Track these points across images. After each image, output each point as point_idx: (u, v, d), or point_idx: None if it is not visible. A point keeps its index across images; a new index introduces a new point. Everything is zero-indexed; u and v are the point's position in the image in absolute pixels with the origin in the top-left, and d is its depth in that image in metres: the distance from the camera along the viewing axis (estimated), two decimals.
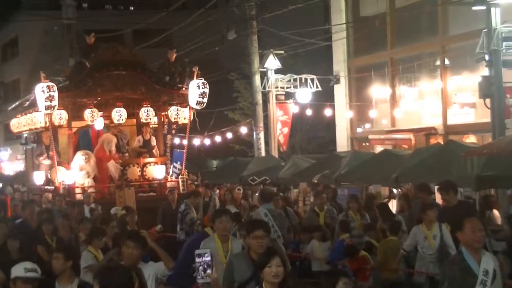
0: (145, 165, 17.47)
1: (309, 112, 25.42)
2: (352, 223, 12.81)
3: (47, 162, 18.16)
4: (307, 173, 18.27)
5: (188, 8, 34.29)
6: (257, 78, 23.85)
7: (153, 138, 18.19)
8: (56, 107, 16.12)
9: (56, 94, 15.89)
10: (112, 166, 17.31)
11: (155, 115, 17.86)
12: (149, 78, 17.08)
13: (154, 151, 18.03)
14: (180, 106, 17.74)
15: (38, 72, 17.25)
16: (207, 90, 16.94)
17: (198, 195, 15.21)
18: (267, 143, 24.32)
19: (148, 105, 17.37)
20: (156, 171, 17.45)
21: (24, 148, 25.37)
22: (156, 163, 17.58)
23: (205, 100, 16.99)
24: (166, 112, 17.96)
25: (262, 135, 23.96)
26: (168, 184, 17.55)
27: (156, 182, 17.53)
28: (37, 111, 17.11)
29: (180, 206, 14.42)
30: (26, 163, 22.60)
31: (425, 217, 10.28)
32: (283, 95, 24.39)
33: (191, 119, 18.07)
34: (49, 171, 17.87)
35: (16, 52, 54.77)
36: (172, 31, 29.68)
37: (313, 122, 29.17)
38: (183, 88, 17.40)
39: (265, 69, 23.83)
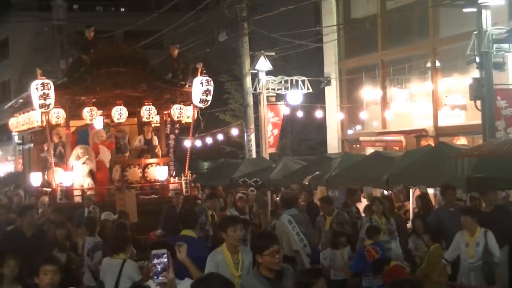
0: (146, 166, 16.73)
1: (300, 113, 25.43)
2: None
3: (51, 159, 17.21)
4: (298, 175, 18.26)
5: (179, 9, 34.31)
6: (248, 80, 23.84)
7: (155, 138, 17.53)
8: (52, 106, 15.42)
9: (51, 92, 15.22)
10: (103, 151, 16.60)
11: (157, 114, 17.18)
12: (151, 75, 16.41)
13: (156, 151, 17.35)
14: (183, 104, 17.08)
15: (28, 73, 16.95)
16: (211, 88, 16.30)
17: (216, 197, 14.32)
18: (258, 144, 24.30)
19: (150, 103, 16.73)
20: (158, 172, 16.70)
21: (21, 148, 24.71)
22: (158, 164, 16.84)
23: (209, 98, 16.36)
24: (169, 111, 17.30)
25: (253, 136, 23.94)
26: (171, 186, 16.84)
27: (158, 184, 16.78)
28: (34, 109, 16.34)
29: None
30: (23, 163, 21.66)
31: (464, 223, 9.57)
32: (274, 96, 24.38)
33: (195, 118, 17.41)
34: (46, 172, 17.20)
35: (6, 53, 54.65)
36: (163, 32, 29.64)
37: (304, 123, 29.19)
38: (187, 86, 16.70)
39: (256, 71, 23.81)
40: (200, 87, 16.23)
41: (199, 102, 16.39)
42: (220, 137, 29.92)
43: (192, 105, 16.88)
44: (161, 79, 16.64)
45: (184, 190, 16.62)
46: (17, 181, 28.80)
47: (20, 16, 42.95)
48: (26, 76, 29.20)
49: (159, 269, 5.23)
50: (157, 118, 17.49)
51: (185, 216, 8.42)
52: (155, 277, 5.24)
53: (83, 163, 16.41)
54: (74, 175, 16.40)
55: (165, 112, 17.50)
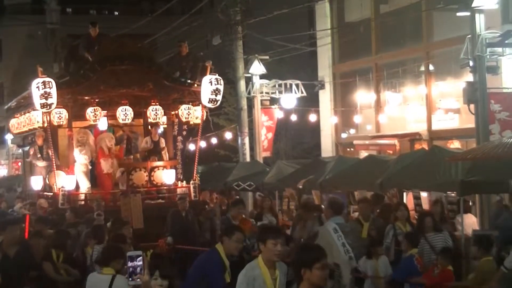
0: (153, 169, 16.15)
1: (294, 117, 25.42)
2: (401, 235, 11.20)
3: (41, 163, 17.00)
4: (292, 179, 18.25)
5: (173, 13, 34.27)
6: (242, 84, 23.80)
7: (162, 140, 16.96)
8: (54, 105, 14.78)
9: (53, 91, 14.58)
10: (105, 163, 16.06)
11: (164, 115, 16.51)
12: (158, 73, 15.79)
13: (163, 152, 16.77)
14: (191, 105, 16.46)
15: (21, 77, 16.68)
16: (221, 87, 15.71)
17: (243, 205, 12.99)
18: (252, 148, 24.27)
19: (157, 103, 16.01)
20: (165, 175, 16.15)
21: (21, 151, 24.26)
22: (165, 167, 16.30)
23: (219, 98, 15.77)
24: (176, 111, 16.66)
25: (247, 140, 23.90)
26: (179, 190, 16.19)
27: (165, 188, 16.22)
28: (35, 109, 15.69)
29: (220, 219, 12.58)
30: (24, 166, 21.01)
31: None
32: (268, 100, 24.35)
33: (204, 118, 16.87)
34: (47, 175, 16.60)
35: None
36: (157, 36, 29.59)
37: (298, 127, 29.15)
38: (195, 85, 16.12)
39: (250, 75, 23.77)
40: (209, 86, 15.66)
41: (208, 102, 15.83)
42: (214, 140, 29.87)
43: (201, 105, 16.32)
44: (169, 78, 16.05)
45: (192, 194, 16.04)
46: (11, 185, 28.70)
47: (13, 20, 42.82)
48: (19, 80, 29.16)
49: (133, 271, 5.23)
50: (164, 119, 16.91)
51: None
52: (130, 279, 5.23)
53: (81, 147, 15.88)
54: (75, 167, 15.75)
55: (173, 112, 16.93)
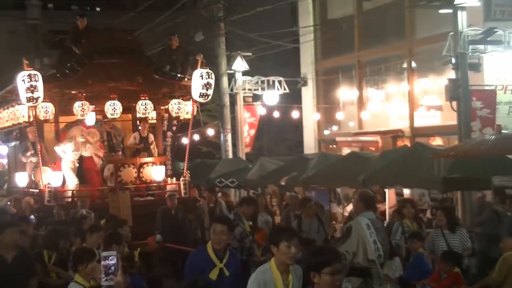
0: (142, 165, 15.75)
1: (276, 114, 25.42)
2: (409, 233, 11.00)
3: (33, 159, 16.46)
4: (275, 175, 18.25)
5: (156, 9, 34.09)
6: (224, 80, 23.74)
7: (151, 135, 16.65)
8: (41, 99, 14.31)
9: (40, 84, 14.10)
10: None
11: (154, 109, 16.19)
12: (148, 67, 15.33)
13: (152, 147, 16.45)
14: (182, 99, 16.14)
15: (3, 72, 16.35)
16: (212, 81, 15.31)
17: (253, 203, 12.15)
18: (234, 145, 24.25)
19: (146, 98, 15.68)
20: (155, 172, 15.80)
21: (4, 146, 23.68)
22: (154, 163, 15.92)
23: (210, 92, 15.35)
24: (166, 106, 16.32)
25: (229, 137, 23.87)
26: (168, 187, 15.89)
27: (154, 184, 15.85)
28: (20, 103, 15.24)
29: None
30: (8, 163, 20.36)
31: None
32: (250, 97, 24.33)
33: (194, 113, 16.53)
34: (32, 171, 16.19)
35: None
36: (139, 32, 29.42)
37: (281, 124, 29.17)
38: (186, 79, 15.75)
39: (232, 71, 23.75)
40: (200, 81, 15.24)
41: (199, 97, 15.41)
42: (196, 137, 29.80)
43: (191, 99, 15.97)
44: (159, 72, 15.64)
45: (183, 192, 15.74)
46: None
47: None
48: (1, 75, 28.89)
49: (107, 271, 5.14)
50: (154, 114, 16.61)
51: None
52: (104, 279, 5.15)
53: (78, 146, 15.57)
54: (63, 161, 15.41)
55: (163, 107, 16.60)
